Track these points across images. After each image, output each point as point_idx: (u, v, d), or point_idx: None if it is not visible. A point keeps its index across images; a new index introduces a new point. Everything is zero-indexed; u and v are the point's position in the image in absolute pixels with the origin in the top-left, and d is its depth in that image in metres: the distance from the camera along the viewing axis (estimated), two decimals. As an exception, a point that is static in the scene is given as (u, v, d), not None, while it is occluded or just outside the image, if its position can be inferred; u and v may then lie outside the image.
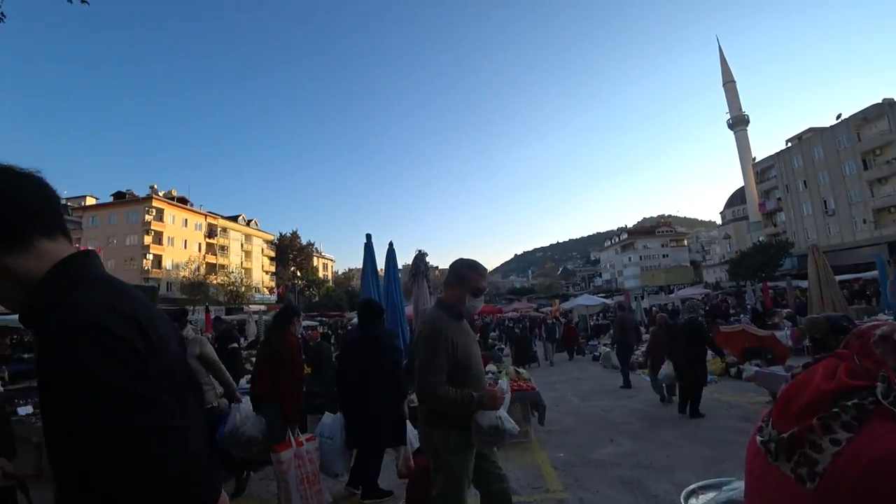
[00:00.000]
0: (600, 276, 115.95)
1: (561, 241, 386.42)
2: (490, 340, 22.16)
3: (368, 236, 7.06)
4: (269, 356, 4.58)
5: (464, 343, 2.72)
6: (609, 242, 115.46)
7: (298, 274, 70.27)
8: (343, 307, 54.99)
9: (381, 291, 6.95)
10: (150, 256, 54.81)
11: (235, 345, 9.27)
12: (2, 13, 5.50)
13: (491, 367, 7.76)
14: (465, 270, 2.84)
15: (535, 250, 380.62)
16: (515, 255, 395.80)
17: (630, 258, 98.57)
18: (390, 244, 7.94)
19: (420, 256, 8.54)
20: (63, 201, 48.24)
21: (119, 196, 59.05)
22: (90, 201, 60.69)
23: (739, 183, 70.90)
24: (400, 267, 8.47)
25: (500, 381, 6.91)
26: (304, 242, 73.70)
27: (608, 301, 30.23)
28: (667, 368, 8.00)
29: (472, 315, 8.40)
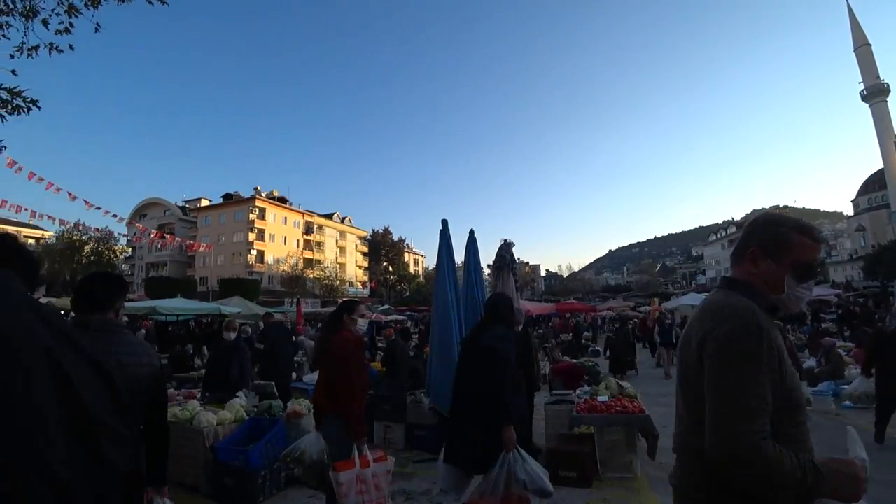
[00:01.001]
0: (703, 273, 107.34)
1: (659, 235, 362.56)
2: (584, 341, 20.60)
3: (444, 222, 6.14)
4: (324, 359, 3.84)
5: (789, 361, 1.42)
6: (714, 237, 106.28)
7: (390, 269, 71.69)
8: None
9: (457, 285, 6.01)
10: (254, 252, 58.30)
11: (260, 346, 8.73)
12: (97, 23, 5.50)
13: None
14: (787, 231, 1.49)
15: (631, 246, 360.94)
16: (609, 250, 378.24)
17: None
18: (471, 232, 6.99)
19: (505, 246, 7.52)
20: (182, 203, 52.38)
21: (227, 197, 63.47)
22: (204, 203, 65.83)
23: (877, 165, 61.78)
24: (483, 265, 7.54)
25: (598, 397, 5.83)
26: (395, 238, 75.09)
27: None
28: (862, 385, 6.37)
29: (565, 313, 7.04)
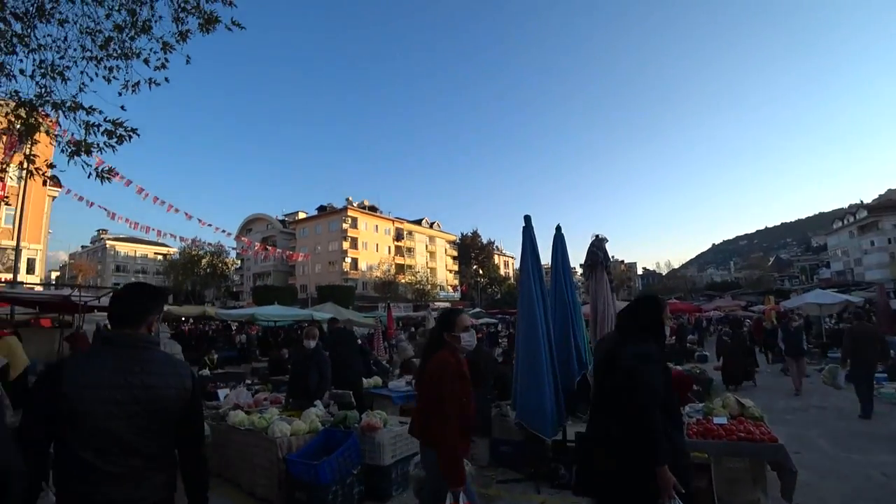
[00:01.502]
0: (828, 265, 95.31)
1: (770, 225, 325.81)
2: (688, 345, 18.88)
3: (527, 219, 5.56)
4: (420, 383, 3.23)
5: None
6: (840, 223, 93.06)
7: (480, 272, 71.54)
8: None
9: (544, 287, 5.41)
10: (348, 260, 60.72)
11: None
12: (187, 56, 6.06)
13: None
14: None
15: (738, 238, 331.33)
16: (713, 244, 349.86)
17: (873, 242, 77.52)
18: (557, 228, 6.37)
19: (597, 242, 6.79)
20: (282, 217, 55.53)
21: (322, 209, 66.87)
22: (301, 215, 69.84)
23: None
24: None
25: (714, 418, 4.90)
26: (484, 241, 74.85)
27: (854, 299, 22.40)
28: None
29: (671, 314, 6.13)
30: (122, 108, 5.91)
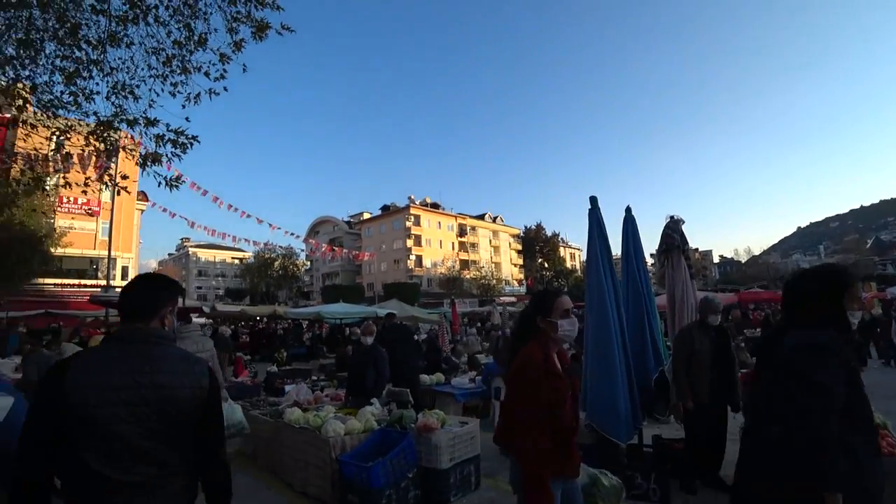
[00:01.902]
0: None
1: (867, 203, 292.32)
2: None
3: (593, 200, 5.03)
4: (510, 381, 2.56)
5: None
6: None
7: (545, 265, 70.15)
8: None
9: (614, 275, 4.86)
10: (413, 257, 61.34)
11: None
12: (243, 65, 6.37)
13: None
14: None
15: (828, 219, 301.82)
16: (798, 227, 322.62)
17: None
18: (628, 210, 5.79)
19: (673, 225, 6.14)
20: (347, 218, 57.23)
21: (385, 208, 67.99)
22: (366, 216, 71.35)
23: None
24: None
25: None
26: (548, 234, 73.24)
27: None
28: None
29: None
30: (187, 119, 6.32)
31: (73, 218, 30.07)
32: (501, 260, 71.60)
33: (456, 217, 68.54)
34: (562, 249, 77.63)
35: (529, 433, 2.24)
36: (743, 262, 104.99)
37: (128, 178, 7.33)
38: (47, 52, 5.98)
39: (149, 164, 6.59)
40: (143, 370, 1.69)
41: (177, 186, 6.88)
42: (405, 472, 4.07)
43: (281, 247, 59.81)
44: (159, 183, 6.73)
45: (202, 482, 1.85)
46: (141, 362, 1.70)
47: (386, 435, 4.50)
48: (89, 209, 30.38)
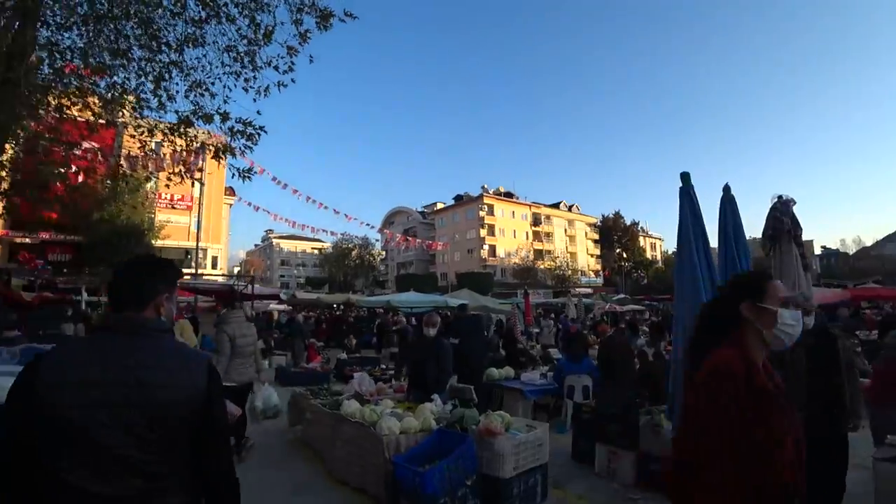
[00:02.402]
0: None
1: None
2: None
3: (685, 176, 4.29)
4: (689, 405, 1.67)
5: None
6: None
7: (624, 255, 67.25)
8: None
9: (711, 261, 4.12)
10: (486, 247, 60.89)
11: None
12: (310, 56, 6.74)
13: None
14: None
15: None
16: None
17: None
18: (726, 189, 4.96)
19: (782, 206, 5.23)
20: (421, 208, 57.98)
21: (458, 198, 67.91)
22: (439, 206, 71.69)
23: None
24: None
25: None
26: (627, 223, 70.03)
27: None
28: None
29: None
30: (258, 112, 6.68)
31: (170, 212, 32.40)
32: (577, 250, 69.38)
33: (530, 206, 67.17)
34: (641, 239, 74.04)
35: (717, 495, 1.43)
36: (851, 253, 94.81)
37: (203, 171, 7.67)
38: (136, 57, 6.37)
39: (222, 155, 6.93)
40: (127, 365, 1.39)
41: (249, 178, 7.23)
42: (463, 479, 3.66)
43: (357, 237, 61.82)
44: (233, 174, 7.15)
45: (206, 501, 1.53)
46: (126, 356, 1.41)
47: (445, 436, 4.12)
48: (183, 204, 32.86)
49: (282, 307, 29.31)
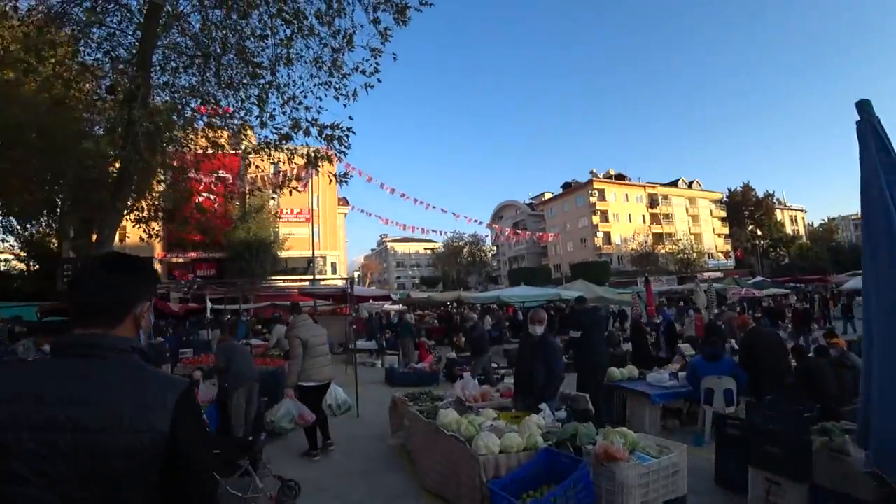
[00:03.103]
0: None
1: None
2: None
3: (864, 105, 3.01)
4: None
5: None
6: None
7: (758, 232, 60.36)
8: (826, 267, 43.50)
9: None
10: (600, 234, 57.89)
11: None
12: (393, 54, 6.85)
13: None
14: None
15: None
16: None
17: None
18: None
19: None
20: (529, 200, 57.24)
21: (566, 186, 65.26)
22: (547, 196, 69.68)
23: None
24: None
25: None
26: (759, 195, 62.66)
27: None
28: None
29: None
30: (350, 118, 7.02)
31: (291, 224, 34.99)
32: (701, 230, 63.31)
33: (644, 187, 62.61)
34: (778, 213, 65.93)
35: None
36: None
37: (300, 179, 8.23)
38: (237, 84, 7.02)
39: (319, 163, 7.40)
40: (60, 400, 0.99)
41: (346, 181, 7.80)
42: (577, 516, 2.95)
43: (468, 234, 62.24)
44: (330, 181, 7.80)
45: None
46: (61, 387, 1.01)
47: (553, 459, 3.42)
48: (302, 216, 35.43)
49: (396, 307, 30.14)
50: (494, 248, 73.65)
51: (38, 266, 20.96)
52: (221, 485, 3.69)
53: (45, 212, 15.18)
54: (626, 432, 3.47)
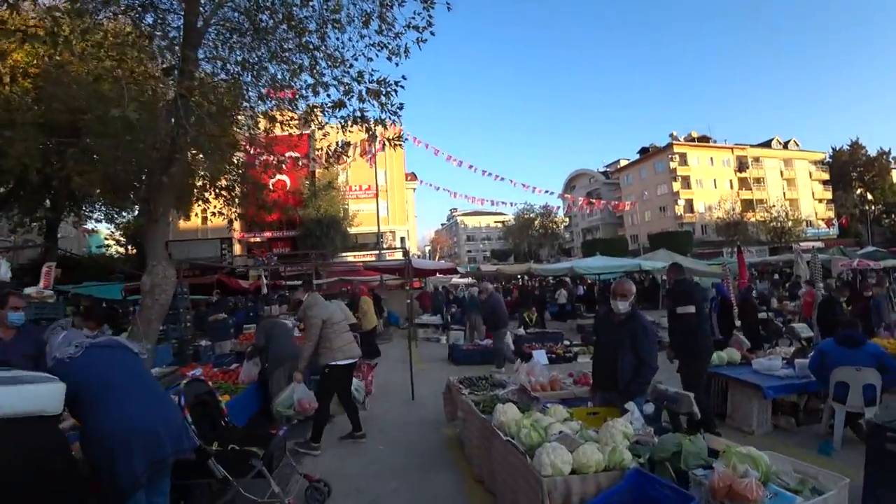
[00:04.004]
0: None
1: None
2: None
3: None
4: None
5: None
6: None
7: (868, 197, 53.80)
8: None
9: None
10: (681, 202, 54.02)
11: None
12: (447, 4, 6.62)
13: None
14: None
15: None
16: None
17: None
18: None
19: None
20: (603, 168, 54.91)
21: (644, 151, 61.24)
22: (622, 163, 65.93)
23: None
24: None
25: None
26: (871, 153, 55.62)
27: None
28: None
29: None
30: (403, 77, 6.65)
31: (360, 201, 35.32)
32: (798, 195, 57.26)
33: (732, 149, 57.25)
34: (894, 174, 58.36)
35: None
36: None
37: (365, 154, 8.02)
38: (287, 56, 6.80)
39: (370, 127, 7.12)
40: None
41: (400, 145, 7.56)
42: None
43: (539, 206, 60.37)
44: (383, 145, 7.49)
45: None
46: None
47: (647, 485, 2.48)
48: (370, 192, 35.69)
49: (464, 281, 29.58)
50: (567, 220, 71.14)
51: (135, 249, 22.51)
52: (233, 487, 3.10)
53: (131, 196, 16.08)
54: (756, 456, 2.42)
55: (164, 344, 8.24)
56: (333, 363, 4.95)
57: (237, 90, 7.01)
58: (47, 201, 15.71)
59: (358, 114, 7.01)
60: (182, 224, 32.82)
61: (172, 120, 5.93)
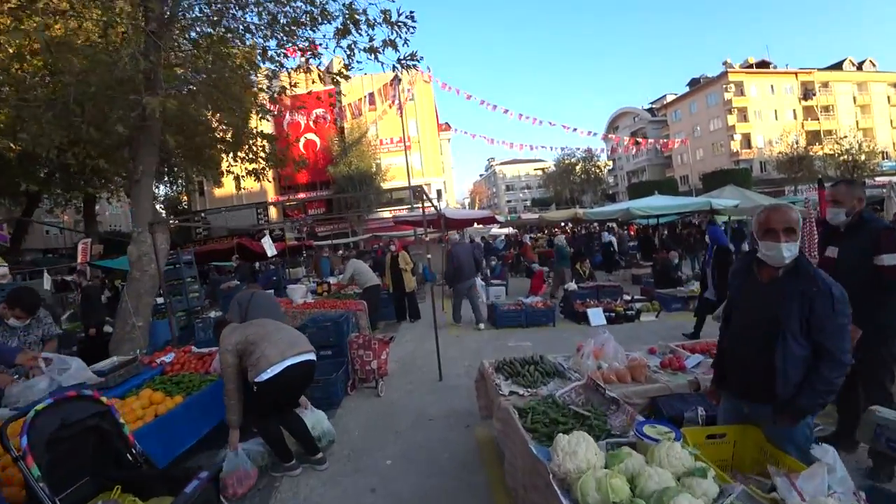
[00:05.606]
0: None
1: None
2: None
3: None
4: None
5: None
6: None
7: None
8: None
9: None
10: (738, 137, 49.63)
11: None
12: None
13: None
14: None
15: None
16: None
17: None
18: None
19: None
20: (648, 105, 51.09)
21: (694, 82, 56.30)
22: (669, 98, 61.00)
23: None
24: None
25: None
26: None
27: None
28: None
29: None
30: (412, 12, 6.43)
31: (391, 154, 33.82)
32: (874, 124, 51.47)
33: (796, 74, 51.59)
34: None
35: None
36: None
37: (347, 72, 7.35)
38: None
39: (382, 50, 6.63)
40: None
41: (413, 66, 6.96)
42: None
43: (580, 150, 57.05)
44: (393, 66, 6.88)
45: None
46: None
47: None
48: (401, 145, 34.13)
49: (504, 231, 27.89)
50: (610, 163, 67.48)
51: (176, 220, 22.75)
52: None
53: (165, 169, 15.70)
54: None
55: (164, 318, 7.26)
56: (259, 380, 3.45)
57: (251, 58, 7.13)
58: (81, 181, 15.42)
59: (367, 43, 6.50)
60: (217, 192, 32.52)
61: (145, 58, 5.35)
